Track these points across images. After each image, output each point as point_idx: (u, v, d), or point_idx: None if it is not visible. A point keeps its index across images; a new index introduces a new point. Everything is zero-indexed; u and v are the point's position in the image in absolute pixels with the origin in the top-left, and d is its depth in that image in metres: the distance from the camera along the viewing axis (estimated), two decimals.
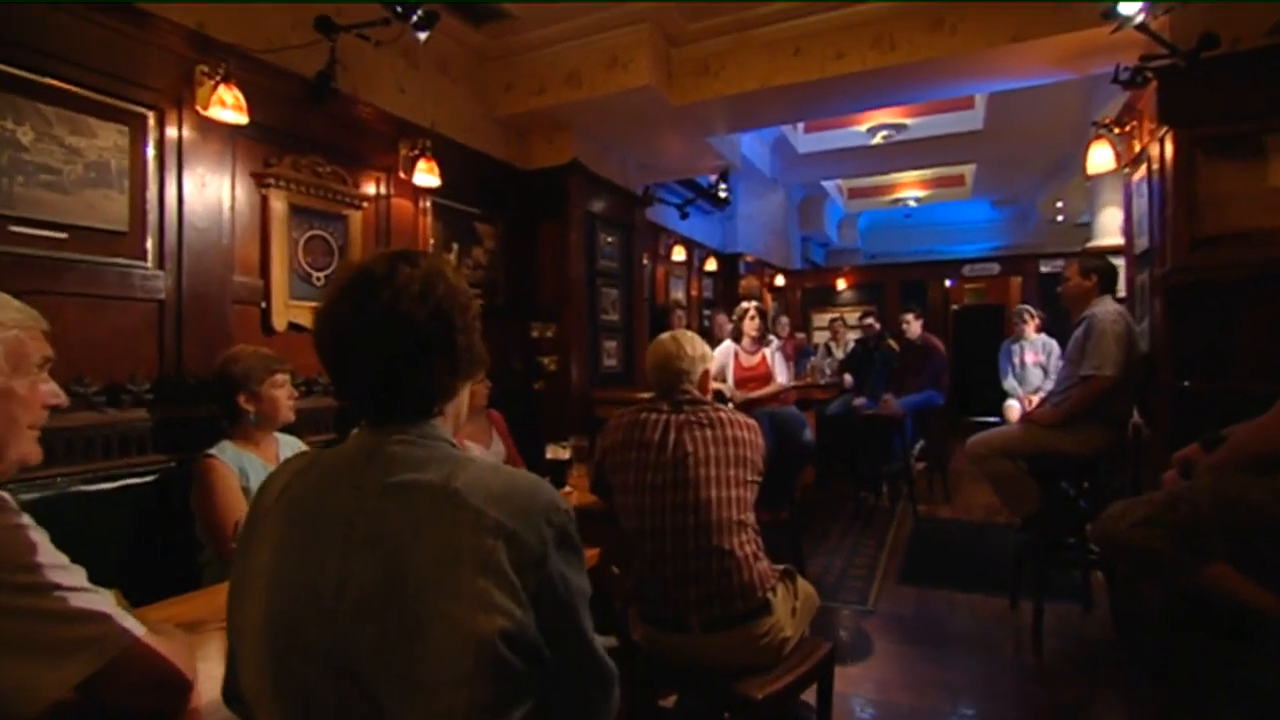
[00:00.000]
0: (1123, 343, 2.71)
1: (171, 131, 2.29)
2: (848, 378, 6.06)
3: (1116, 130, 3.15)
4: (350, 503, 0.81)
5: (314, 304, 2.70)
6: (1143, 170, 2.98)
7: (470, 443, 2.76)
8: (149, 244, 2.22)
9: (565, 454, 2.46)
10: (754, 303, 4.03)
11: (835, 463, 5.98)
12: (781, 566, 1.87)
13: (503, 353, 3.86)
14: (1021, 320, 5.26)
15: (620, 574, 1.83)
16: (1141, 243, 3.07)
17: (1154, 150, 2.81)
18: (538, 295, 3.97)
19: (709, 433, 1.75)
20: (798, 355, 7.30)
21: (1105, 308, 2.82)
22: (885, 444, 5.18)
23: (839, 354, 7.08)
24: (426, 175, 3.16)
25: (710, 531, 1.67)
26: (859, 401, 5.75)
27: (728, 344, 4.08)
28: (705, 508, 1.67)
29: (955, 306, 11.33)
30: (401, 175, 3.19)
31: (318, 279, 2.78)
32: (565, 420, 3.81)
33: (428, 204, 3.35)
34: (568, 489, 2.41)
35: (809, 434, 3.86)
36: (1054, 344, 5.17)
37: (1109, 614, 2.99)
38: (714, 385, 4.00)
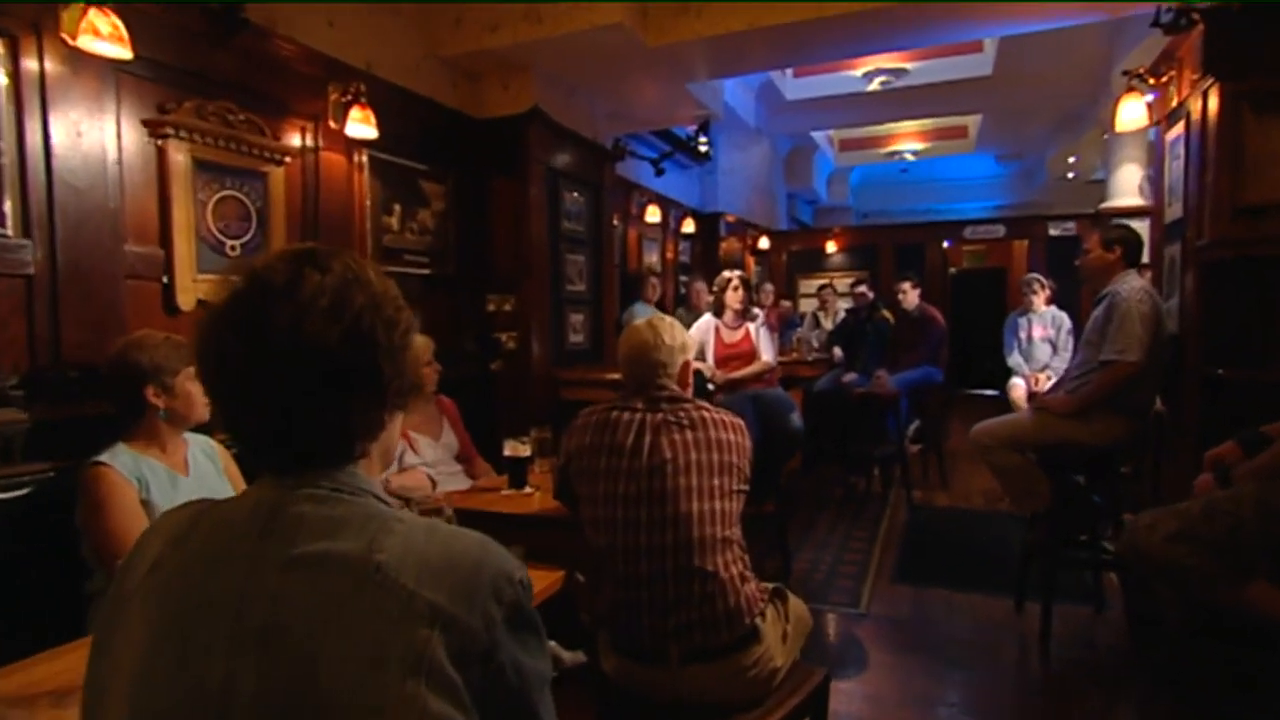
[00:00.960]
0: (1149, 325, 2.69)
1: (30, 64, 2.06)
2: (837, 351, 6.08)
3: (1151, 81, 3.07)
4: (242, 582, 0.70)
5: None
6: (1179, 127, 2.92)
7: (418, 435, 2.70)
8: (7, 205, 2.02)
9: (525, 450, 2.40)
10: (737, 272, 3.99)
11: (823, 444, 6.00)
12: (770, 585, 1.82)
13: (454, 330, 3.78)
14: (1030, 291, 5.26)
15: (587, 583, 1.75)
16: (1174, 210, 3.03)
17: (1194, 105, 2.74)
18: (493, 263, 3.89)
19: (690, 435, 1.70)
20: (782, 325, 7.30)
21: (1130, 284, 2.78)
22: (878, 425, 5.20)
23: (828, 325, 7.08)
24: (361, 125, 2.98)
25: (691, 550, 1.62)
26: (849, 378, 5.76)
27: (708, 318, 4.05)
28: (685, 523, 1.63)
29: (953, 270, 11.43)
30: (332, 125, 3.02)
31: (232, 248, 2.62)
32: (526, 405, 3.77)
33: (364, 158, 3.21)
34: (529, 489, 2.36)
35: (797, 419, 3.84)
36: (1064, 318, 5.19)
37: (1123, 616, 3.01)
38: (696, 364, 3.96)
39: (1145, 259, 3.18)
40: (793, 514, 4.52)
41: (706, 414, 1.75)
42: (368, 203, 3.21)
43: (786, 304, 7.95)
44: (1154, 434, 2.93)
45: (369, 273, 0.79)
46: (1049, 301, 5.27)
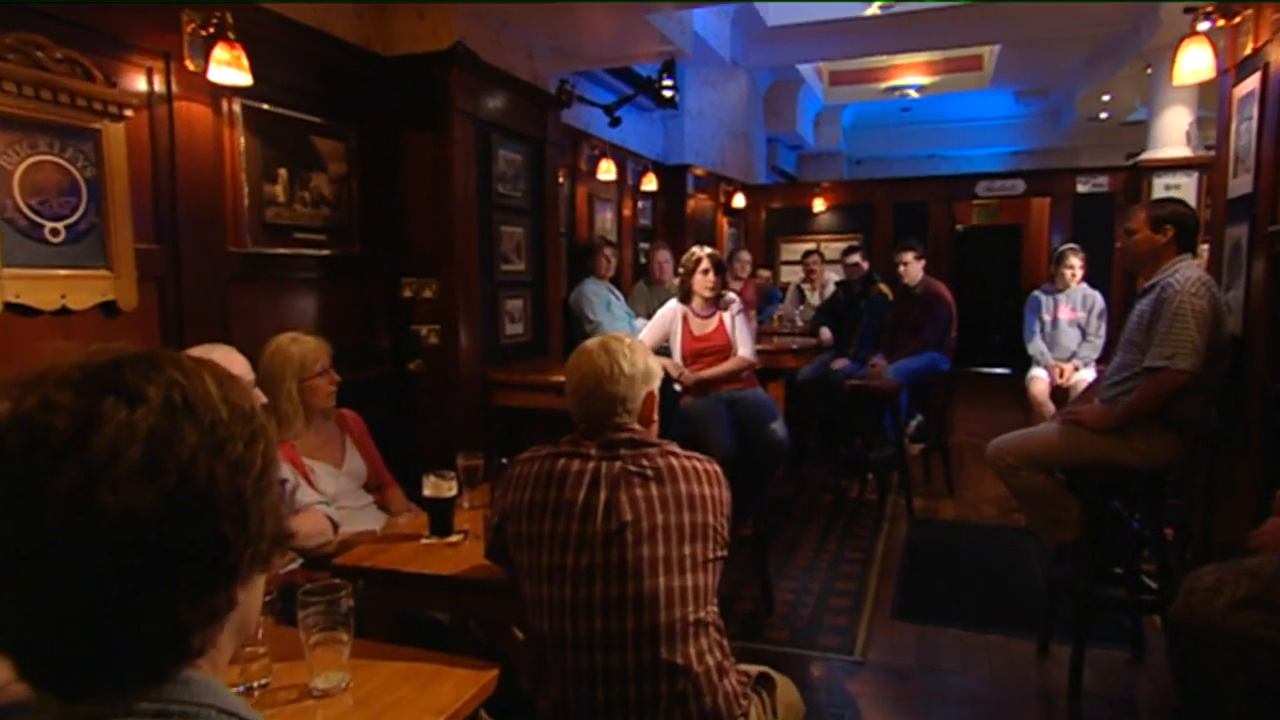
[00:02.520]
0: (1205, 325, 2.67)
1: None
2: (825, 332, 6.09)
3: (1221, 22, 3.00)
4: None
5: (50, 271, 2.39)
6: (1253, 81, 2.85)
7: (314, 463, 2.63)
8: None
9: (450, 488, 2.32)
10: (707, 251, 3.98)
11: (808, 442, 6.03)
12: (754, 671, 1.79)
13: (360, 323, 3.68)
14: (1063, 265, 5.24)
15: (525, 641, 1.67)
16: (1241, 182, 2.99)
17: (1275, 55, 2.68)
18: (410, 239, 3.80)
19: (655, 491, 1.66)
20: (760, 299, 7.31)
21: (1184, 274, 2.76)
22: (873, 422, 5.23)
23: (814, 299, 7.12)
24: (229, 68, 2.76)
25: (658, 640, 1.59)
26: (839, 364, 5.82)
27: (673, 305, 4.06)
28: (650, 605, 1.60)
29: (960, 227, 11.55)
30: (189, 66, 2.79)
31: (54, 231, 2.40)
32: (453, 413, 3.73)
33: (236, 110, 3.01)
34: (456, 536, 2.29)
35: (781, 428, 3.85)
36: (1097, 297, 5.23)
37: (1166, 665, 3.02)
38: (658, 361, 3.94)
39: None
40: (774, 536, 4.54)
41: (676, 461, 1.71)
42: (243, 168, 3.03)
43: (765, 274, 7.96)
44: (1207, 455, 2.93)
45: (206, 389, 0.66)
46: (1081, 279, 5.28)
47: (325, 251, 3.44)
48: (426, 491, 2.29)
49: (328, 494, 2.56)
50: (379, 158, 3.70)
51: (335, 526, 2.42)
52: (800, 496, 5.41)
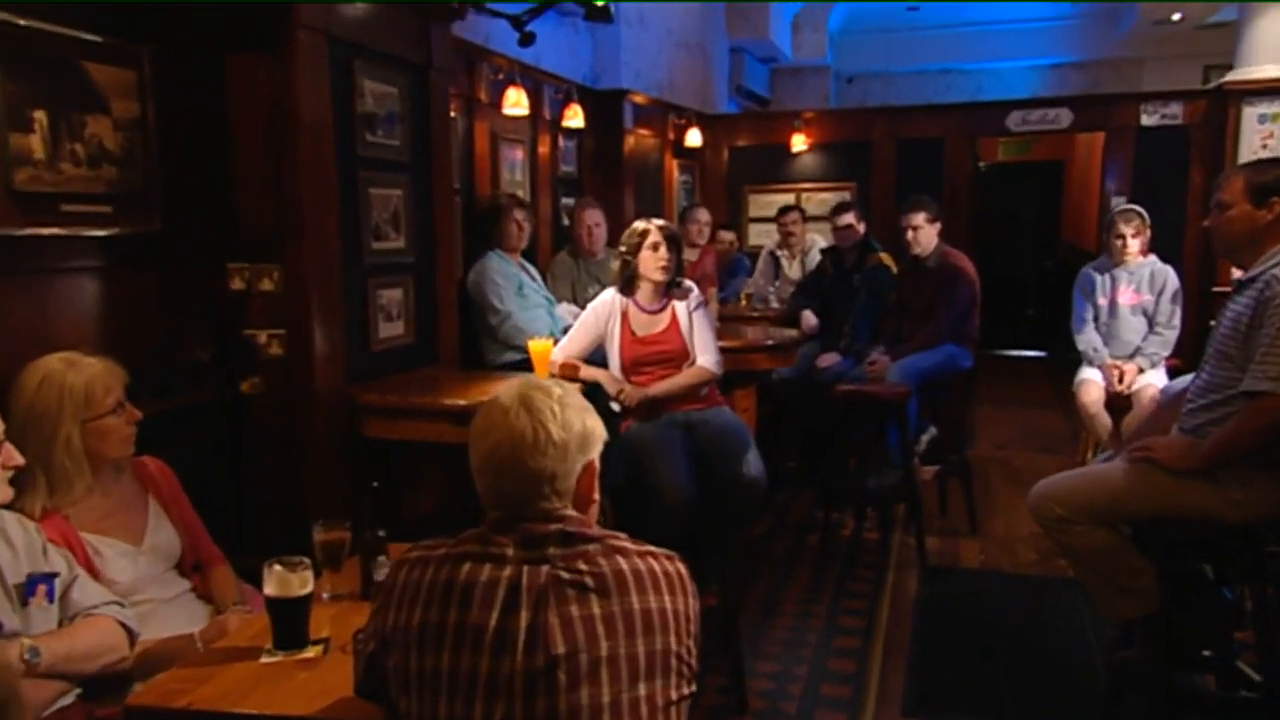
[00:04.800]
0: None
1: None
2: (808, 316, 6.10)
3: None
4: None
5: None
6: None
7: (102, 540, 2.57)
8: None
9: (303, 583, 2.25)
10: (657, 223, 4.03)
11: (785, 463, 6.04)
12: None
13: (168, 330, 3.57)
14: (1117, 234, 5.31)
15: None
16: None
17: None
18: (238, 210, 3.73)
19: (597, 608, 1.65)
20: (722, 271, 7.31)
21: None
22: (872, 438, 5.25)
23: (793, 271, 7.14)
24: None
25: None
26: (828, 361, 5.82)
27: (609, 298, 4.13)
28: None
29: (983, 164, 11.72)
30: None
31: None
32: (306, 454, 3.66)
33: None
34: (311, 651, 2.22)
35: (755, 461, 3.90)
36: (1169, 274, 5.31)
37: None
38: (589, 373, 4.15)
39: None
40: (744, 600, 4.52)
41: (625, 563, 1.70)
42: None
43: (729, 237, 7.95)
44: None
45: None
46: (1146, 249, 5.35)
47: (110, 230, 3.32)
48: (269, 590, 2.22)
49: (122, 583, 2.50)
50: (189, 93, 3.60)
51: (132, 635, 2.35)
52: (778, 537, 5.43)
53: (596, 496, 1.84)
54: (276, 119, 3.64)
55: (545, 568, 1.65)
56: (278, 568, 2.22)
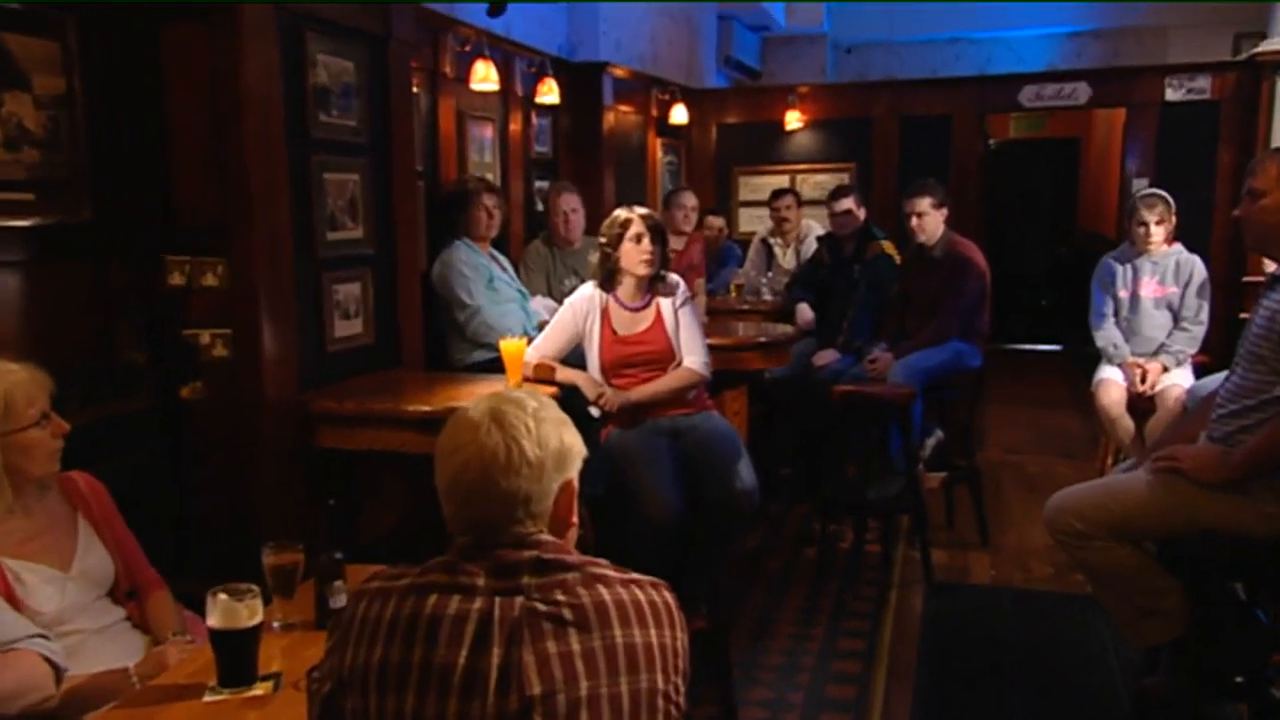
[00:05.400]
0: None
1: None
2: (804, 310, 6.11)
3: None
4: None
5: None
6: None
7: (24, 566, 2.54)
8: None
9: (250, 614, 2.23)
10: (640, 211, 4.05)
11: (776, 467, 6.05)
12: None
13: (97, 331, 3.56)
14: (1140, 221, 5.31)
15: None
16: None
17: None
18: (178, 198, 3.75)
19: (577, 643, 1.63)
20: (711, 260, 7.33)
21: None
22: (873, 443, 5.26)
23: (787, 261, 7.14)
24: None
25: None
26: (825, 359, 5.83)
27: (588, 293, 4.16)
28: None
29: (993, 142, 11.74)
30: None
31: None
32: (254, 467, 3.64)
33: None
34: (260, 688, 2.20)
35: (747, 472, 3.93)
36: (1195, 264, 5.33)
37: None
38: (566, 375, 4.16)
39: None
40: (735, 622, 4.51)
41: (608, 593, 1.68)
42: None
43: (717, 223, 7.95)
44: None
45: None
46: (1171, 237, 5.35)
47: (32, 220, 3.31)
48: (213, 621, 2.20)
49: (47, 613, 2.47)
50: (122, 67, 3.59)
51: (58, 672, 2.31)
52: (771, 552, 5.43)
53: (575, 519, 1.83)
54: (219, 96, 3.63)
55: (519, 599, 1.63)
56: (223, 596, 2.20)
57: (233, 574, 2.28)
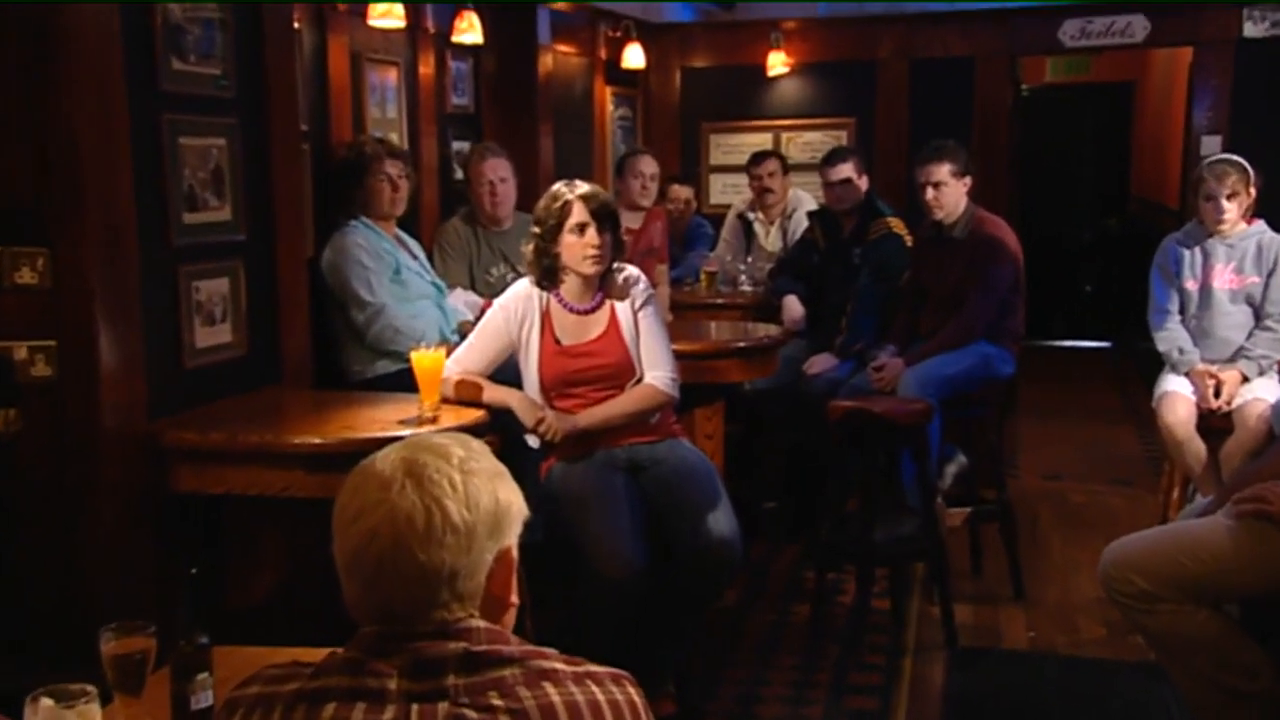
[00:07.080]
0: None
1: None
2: (792, 304, 6.18)
3: None
4: None
5: None
6: None
7: None
8: None
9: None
10: (586, 187, 4.11)
11: (759, 501, 6.10)
12: None
13: None
14: (1209, 194, 5.32)
15: None
16: None
17: None
18: None
19: None
20: (677, 241, 7.42)
21: None
22: (882, 471, 5.31)
23: (771, 242, 7.21)
24: None
25: None
26: (820, 366, 5.88)
27: (522, 290, 4.24)
28: None
29: (1025, 89, 11.84)
30: None
31: None
32: (90, 518, 3.61)
33: None
34: None
35: (725, 517, 4.00)
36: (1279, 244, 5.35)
37: None
38: (496, 395, 4.18)
39: None
40: (713, 691, 4.56)
41: (557, 694, 1.66)
42: None
43: (684, 194, 7.93)
44: None
45: None
46: (1250, 214, 5.37)
47: None
48: None
49: None
50: None
51: None
52: (754, 610, 5.45)
53: (515, 598, 1.82)
54: (35, 38, 3.60)
55: (443, 705, 1.60)
56: (46, 702, 2.18)
57: (60, 666, 2.28)
